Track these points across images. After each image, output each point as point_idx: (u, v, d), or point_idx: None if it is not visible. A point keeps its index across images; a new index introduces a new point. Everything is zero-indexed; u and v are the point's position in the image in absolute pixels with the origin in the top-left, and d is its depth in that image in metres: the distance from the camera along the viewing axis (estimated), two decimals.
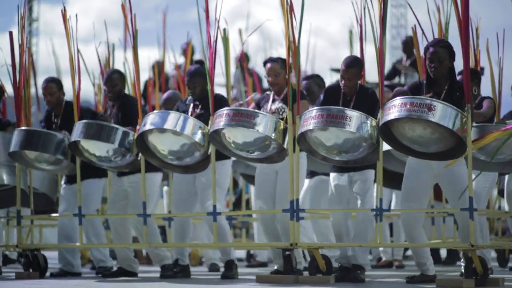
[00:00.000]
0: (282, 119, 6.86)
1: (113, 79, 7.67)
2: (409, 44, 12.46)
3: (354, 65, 6.64)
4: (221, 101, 7.17)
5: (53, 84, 7.94)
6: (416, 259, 6.46)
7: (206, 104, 7.27)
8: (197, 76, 7.34)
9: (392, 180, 7.64)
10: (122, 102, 7.65)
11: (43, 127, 8.00)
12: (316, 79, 8.15)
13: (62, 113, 7.94)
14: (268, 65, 7.15)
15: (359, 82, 6.72)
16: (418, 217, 6.34)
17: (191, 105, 7.44)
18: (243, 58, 11.51)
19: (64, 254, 7.92)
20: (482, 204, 7.22)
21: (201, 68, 7.37)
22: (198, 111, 7.34)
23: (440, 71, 6.17)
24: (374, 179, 6.70)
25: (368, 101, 6.60)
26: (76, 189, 7.67)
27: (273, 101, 7.17)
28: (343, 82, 6.66)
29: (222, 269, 7.52)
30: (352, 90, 6.70)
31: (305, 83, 8.05)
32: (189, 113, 7.32)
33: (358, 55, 6.91)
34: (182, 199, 7.49)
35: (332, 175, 6.83)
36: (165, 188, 9.21)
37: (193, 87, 7.37)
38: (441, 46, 6.18)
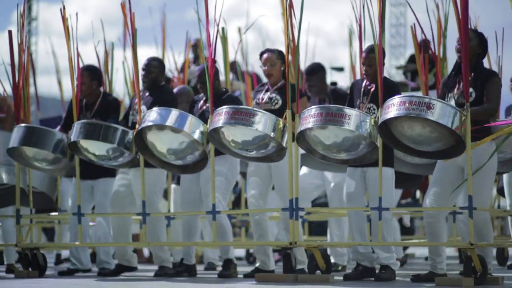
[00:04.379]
0: (275, 109, 6.88)
1: (150, 66, 7.56)
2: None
3: (373, 50, 6.63)
4: (232, 102, 7.18)
5: (86, 73, 7.78)
6: (430, 253, 6.46)
7: (216, 104, 7.25)
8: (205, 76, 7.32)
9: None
10: (156, 91, 7.54)
11: (65, 121, 7.94)
12: (319, 74, 8.08)
13: (98, 104, 7.79)
14: (265, 55, 7.19)
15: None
16: (440, 212, 6.33)
17: (201, 100, 7.44)
18: (242, 57, 11.52)
19: (75, 251, 7.94)
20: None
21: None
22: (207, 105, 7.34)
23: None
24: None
25: (389, 90, 6.46)
26: (87, 185, 7.72)
27: (267, 90, 7.18)
28: (364, 67, 6.71)
29: (220, 268, 7.52)
30: (373, 78, 6.70)
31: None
32: (199, 108, 7.41)
33: (357, 54, 6.92)
34: (190, 198, 7.50)
35: (347, 169, 6.83)
36: (173, 186, 9.20)
37: (202, 86, 7.37)
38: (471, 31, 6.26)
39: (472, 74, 6.21)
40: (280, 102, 7.09)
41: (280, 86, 7.18)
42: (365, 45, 6.90)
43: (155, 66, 7.61)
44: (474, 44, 6.24)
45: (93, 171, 7.71)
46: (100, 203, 7.79)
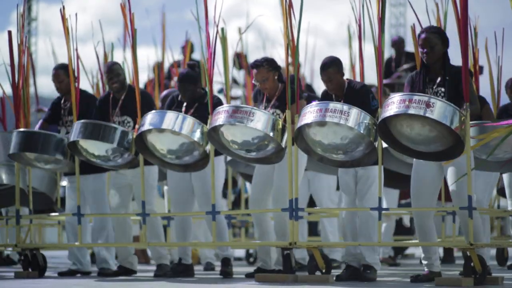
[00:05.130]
0: None
1: (115, 70, 7.61)
2: (398, 45, 12.62)
3: (328, 65, 6.66)
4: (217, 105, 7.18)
5: (61, 71, 7.85)
6: (424, 252, 6.46)
7: (199, 107, 7.28)
8: (186, 81, 7.34)
9: (391, 179, 7.63)
10: (130, 93, 7.56)
11: (49, 112, 7.97)
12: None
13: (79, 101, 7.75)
14: (254, 71, 7.06)
15: (346, 80, 6.73)
16: (429, 211, 6.34)
17: (184, 104, 7.44)
18: (242, 58, 11.52)
19: (74, 252, 7.93)
20: (484, 202, 7.21)
21: (191, 73, 7.37)
22: (192, 110, 7.34)
23: (432, 57, 6.20)
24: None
25: (357, 97, 6.57)
26: (83, 185, 7.72)
27: (267, 101, 7.14)
28: (325, 84, 6.70)
29: (218, 268, 7.52)
30: (339, 90, 6.71)
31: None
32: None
33: (357, 54, 6.92)
34: (181, 198, 7.50)
35: (340, 170, 6.82)
36: (166, 187, 9.21)
37: (183, 92, 7.37)
38: (431, 31, 6.24)
39: (444, 75, 6.19)
40: (282, 116, 7.00)
41: (279, 94, 7.10)
42: (365, 46, 6.91)
43: (119, 68, 7.67)
44: (439, 47, 6.20)
45: (82, 166, 7.66)
46: (94, 203, 7.78)
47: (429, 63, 6.24)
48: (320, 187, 8.47)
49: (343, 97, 6.69)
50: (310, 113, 6.33)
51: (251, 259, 10.49)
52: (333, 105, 6.32)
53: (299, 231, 8.11)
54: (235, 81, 12.18)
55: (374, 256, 6.73)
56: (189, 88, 7.35)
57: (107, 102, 7.73)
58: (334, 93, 6.73)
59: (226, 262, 7.36)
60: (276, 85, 7.12)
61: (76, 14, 7.51)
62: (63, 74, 7.83)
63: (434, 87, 6.21)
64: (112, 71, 7.64)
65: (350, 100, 6.58)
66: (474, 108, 6.10)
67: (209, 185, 7.23)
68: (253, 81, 7.14)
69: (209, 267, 9.10)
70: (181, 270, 7.54)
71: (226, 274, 7.27)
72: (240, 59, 11.61)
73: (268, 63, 7.03)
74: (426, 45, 6.21)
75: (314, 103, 6.44)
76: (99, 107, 7.76)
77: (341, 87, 6.71)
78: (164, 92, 8.73)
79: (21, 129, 7.61)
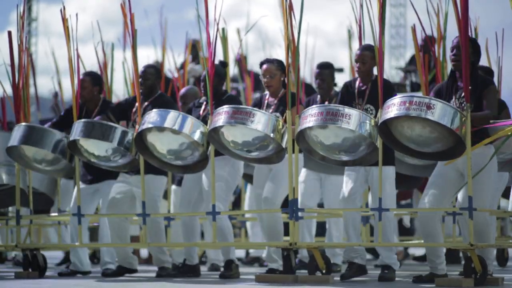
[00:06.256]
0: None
1: (146, 73, 7.58)
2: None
3: (368, 48, 6.69)
4: (233, 101, 7.19)
5: (87, 78, 7.85)
6: (428, 255, 6.45)
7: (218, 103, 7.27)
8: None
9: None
10: (155, 101, 7.55)
11: (60, 116, 7.96)
12: (331, 70, 8.13)
13: (96, 111, 7.85)
14: (264, 66, 7.18)
15: (375, 73, 6.73)
16: (435, 213, 6.33)
17: (204, 103, 7.46)
18: (242, 58, 11.50)
19: (75, 253, 7.94)
20: (494, 204, 7.21)
21: (217, 67, 7.36)
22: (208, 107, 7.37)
23: (460, 62, 6.17)
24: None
25: (385, 89, 6.47)
26: (91, 188, 7.76)
27: (268, 106, 7.17)
28: (357, 65, 6.73)
29: (222, 269, 7.52)
30: (367, 77, 6.72)
31: (317, 72, 8.01)
32: (202, 111, 7.38)
33: None
34: (187, 199, 7.50)
35: (347, 168, 6.79)
36: (173, 187, 9.17)
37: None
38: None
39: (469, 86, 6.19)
40: (281, 118, 6.99)
41: (280, 96, 7.15)
42: None
43: (151, 73, 7.62)
44: (469, 54, 6.19)
45: (96, 174, 7.76)
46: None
47: (456, 68, 6.23)
48: (330, 188, 8.42)
49: (369, 86, 6.68)
50: (311, 116, 6.33)
51: (249, 258, 10.49)
52: (334, 108, 6.32)
53: (308, 231, 8.11)
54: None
55: (392, 255, 6.74)
56: (215, 83, 7.28)
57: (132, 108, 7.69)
58: (361, 77, 6.73)
59: (229, 265, 7.33)
60: (280, 87, 7.18)
61: (76, 14, 7.52)
62: (89, 81, 7.83)
63: (461, 95, 6.20)
64: (143, 73, 7.56)
65: (376, 90, 6.51)
66: (489, 113, 6.09)
67: (219, 191, 7.20)
68: (260, 77, 7.20)
69: (214, 268, 9.07)
70: (186, 270, 7.54)
71: (226, 278, 7.23)
72: (240, 63, 11.59)
73: (278, 63, 7.17)
74: (456, 48, 6.20)
75: (313, 106, 6.43)
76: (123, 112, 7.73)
77: (370, 74, 6.71)
78: (182, 91, 8.72)
79: (22, 123, 7.61)
